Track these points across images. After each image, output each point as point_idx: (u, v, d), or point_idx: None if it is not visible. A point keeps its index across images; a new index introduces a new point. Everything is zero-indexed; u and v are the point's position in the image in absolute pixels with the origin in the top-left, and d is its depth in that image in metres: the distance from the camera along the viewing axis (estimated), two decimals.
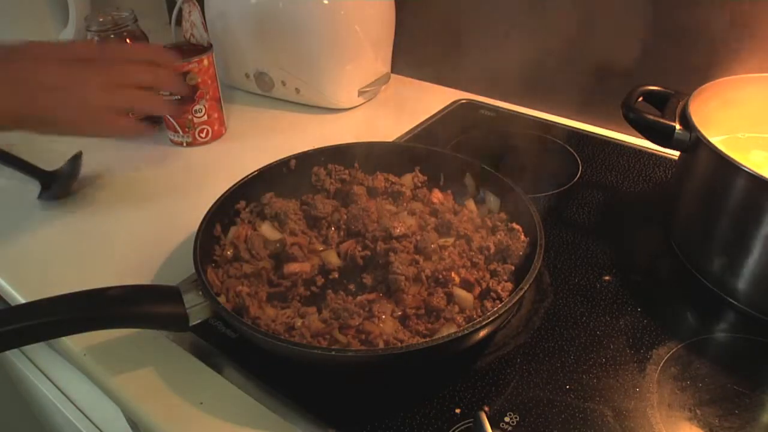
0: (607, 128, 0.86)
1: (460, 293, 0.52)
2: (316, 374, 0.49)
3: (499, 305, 0.49)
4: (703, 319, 0.55)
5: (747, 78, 0.63)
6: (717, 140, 0.62)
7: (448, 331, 0.48)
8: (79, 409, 0.82)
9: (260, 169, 0.64)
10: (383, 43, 0.95)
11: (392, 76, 1.01)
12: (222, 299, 0.51)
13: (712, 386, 0.48)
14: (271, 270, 0.57)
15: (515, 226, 0.58)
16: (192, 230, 0.55)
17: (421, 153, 0.68)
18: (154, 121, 0.87)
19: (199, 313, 0.48)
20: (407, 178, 0.67)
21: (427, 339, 0.48)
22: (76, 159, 0.75)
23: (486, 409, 0.46)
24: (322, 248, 0.59)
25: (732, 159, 0.51)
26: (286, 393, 0.48)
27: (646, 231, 0.67)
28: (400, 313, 0.51)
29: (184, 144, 0.85)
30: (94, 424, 0.79)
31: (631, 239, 0.66)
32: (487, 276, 0.54)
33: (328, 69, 0.89)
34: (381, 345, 0.47)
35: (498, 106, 0.94)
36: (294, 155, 0.66)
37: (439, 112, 0.93)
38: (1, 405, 1.10)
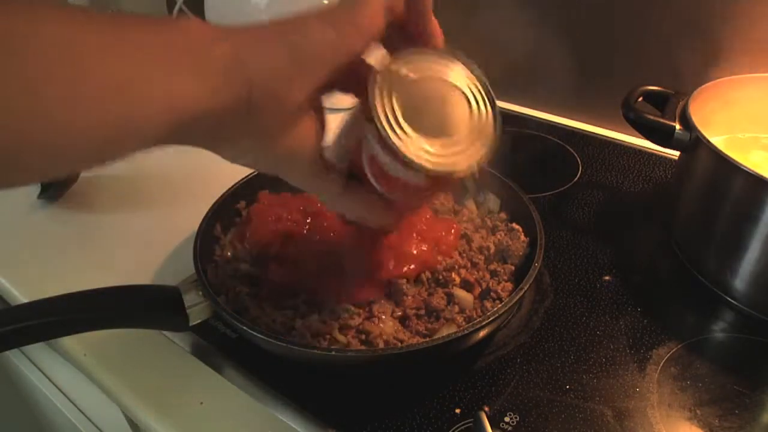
0: (607, 128, 0.86)
1: (460, 293, 0.52)
2: (316, 374, 0.49)
3: (499, 305, 0.49)
4: (703, 319, 0.55)
5: (747, 78, 0.63)
6: (717, 140, 0.62)
7: (448, 331, 0.48)
8: (79, 409, 0.82)
9: None
10: None
11: None
12: (222, 299, 0.51)
13: (712, 386, 0.48)
14: None
15: (515, 226, 0.58)
16: (192, 230, 0.55)
17: None
18: None
19: (199, 313, 0.48)
20: None
21: (427, 339, 0.48)
22: None
23: (486, 409, 0.46)
24: None
25: (732, 159, 0.51)
26: (286, 393, 0.48)
27: (646, 231, 0.67)
28: (400, 313, 0.51)
29: None
30: (94, 424, 0.79)
31: (631, 239, 0.66)
32: (487, 276, 0.54)
33: None
34: (381, 345, 0.47)
35: (498, 106, 0.93)
36: None
37: None
38: (1, 405, 1.09)
